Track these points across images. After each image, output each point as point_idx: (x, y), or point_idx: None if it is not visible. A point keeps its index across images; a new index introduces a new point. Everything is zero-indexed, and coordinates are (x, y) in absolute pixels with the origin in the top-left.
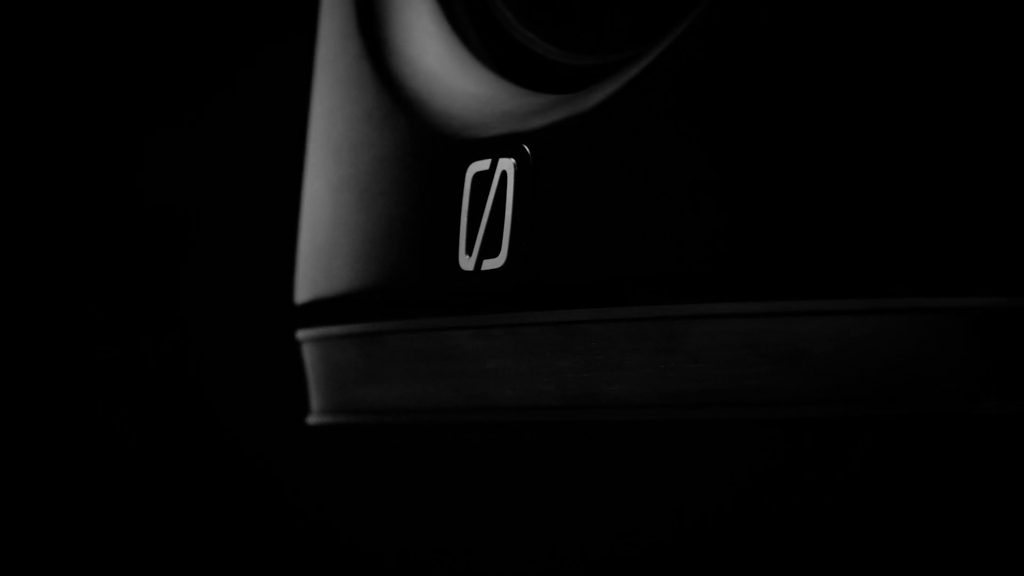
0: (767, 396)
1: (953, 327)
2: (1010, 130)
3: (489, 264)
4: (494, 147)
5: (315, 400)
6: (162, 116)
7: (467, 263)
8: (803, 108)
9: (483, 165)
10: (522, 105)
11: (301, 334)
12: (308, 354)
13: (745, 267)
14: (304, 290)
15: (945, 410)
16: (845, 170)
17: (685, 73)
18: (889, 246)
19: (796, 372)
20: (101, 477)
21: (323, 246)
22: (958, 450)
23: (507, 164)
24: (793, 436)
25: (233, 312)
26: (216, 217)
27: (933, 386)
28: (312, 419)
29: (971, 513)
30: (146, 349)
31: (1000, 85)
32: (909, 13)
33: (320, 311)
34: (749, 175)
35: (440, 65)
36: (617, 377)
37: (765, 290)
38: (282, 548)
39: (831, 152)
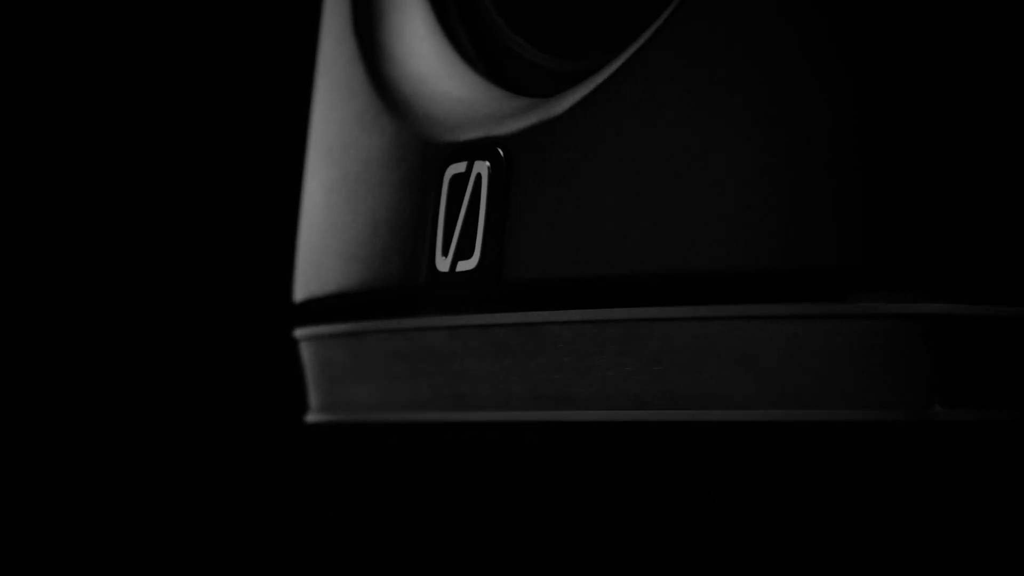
0: (724, 400)
1: (902, 334)
2: (956, 142)
3: (463, 265)
4: (471, 150)
5: (312, 398)
6: (164, 116)
7: (443, 264)
8: (759, 111)
9: (460, 168)
10: (502, 109)
11: (298, 332)
12: (304, 352)
13: (708, 271)
14: (301, 289)
15: (894, 416)
16: (793, 172)
17: (650, 78)
18: (840, 252)
19: (749, 376)
20: (101, 477)
21: (316, 245)
22: (907, 455)
23: (482, 167)
24: (749, 439)
25: (238, 311)
26: (221, 215)
27: (882, 392)
28: (310, 417)
29: (920, 517)
30: (146, 349)
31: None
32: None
33: (314, 310)
34: (715, 180)
35: (428, 68)
36: (584, 378)
37: (719, 294)
38: (280, 548)
39: (788, 156)
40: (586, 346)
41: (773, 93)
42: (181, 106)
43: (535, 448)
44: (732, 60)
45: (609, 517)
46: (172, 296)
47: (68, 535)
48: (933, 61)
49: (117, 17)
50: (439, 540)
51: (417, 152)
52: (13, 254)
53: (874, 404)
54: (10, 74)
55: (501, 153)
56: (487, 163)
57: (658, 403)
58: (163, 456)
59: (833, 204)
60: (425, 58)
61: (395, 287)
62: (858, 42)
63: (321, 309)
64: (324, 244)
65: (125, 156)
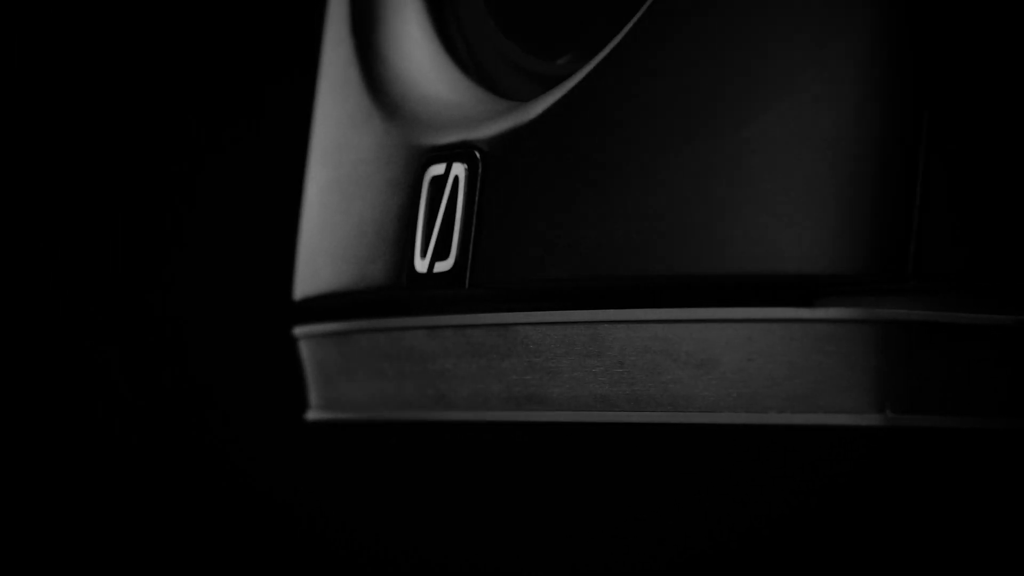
0: (684, 402)
1: (855, 339)
2: (923, 152)
3: (440, 267)
4: (450, 152)
5: (310, 396)
6: (165, 116)
7: (422, 265)
8: (729, 115)
9: (439, 169)
10: (484, 112)
11: (296, 331)
12: (301, 350)
13: (675, 276)
14: (299, 288)
15: (845, 421)
16: (761, 179)
17: (618, 82)
18: (802, 259)
19: (709, 379)
20: (101, 477)
21: (312, 245)
22: (862, 459)
23: (459, 169)
24: (711, 441)
25: (240, 310)
26: (224, 214)
27: (835, 397)
28: (309, 415)
29: (872, 519)
30: (146, 349)
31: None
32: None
33: (311, 309)
34: (682, 185)
35: (420, 71)
36: (553, 379)
37: (683, 298)
38: (280, 548)
39: (757, 162)
40: (553, 347)
41: (743, 97)
42: (182, 106)
43: (535, 447)
44: (701, 64)
45: (606, 517)
46: (172, 296)
47: (68, 535)
48: (906, 70)
49: (119, 17)
50: (438, 540)
51: (402, 153)
52: (13, 254)
53: (827, 408)
54: (10, 74)
55: (478, 156)
56: (464, 165)
57: (623, 405)
58: (163, 456)
59: (798, 212)
60: (418, 61)
61: (380, 287)
62: (829, 45)
63: (317, 308)
64: (319, 243)
65: (126, 156)
